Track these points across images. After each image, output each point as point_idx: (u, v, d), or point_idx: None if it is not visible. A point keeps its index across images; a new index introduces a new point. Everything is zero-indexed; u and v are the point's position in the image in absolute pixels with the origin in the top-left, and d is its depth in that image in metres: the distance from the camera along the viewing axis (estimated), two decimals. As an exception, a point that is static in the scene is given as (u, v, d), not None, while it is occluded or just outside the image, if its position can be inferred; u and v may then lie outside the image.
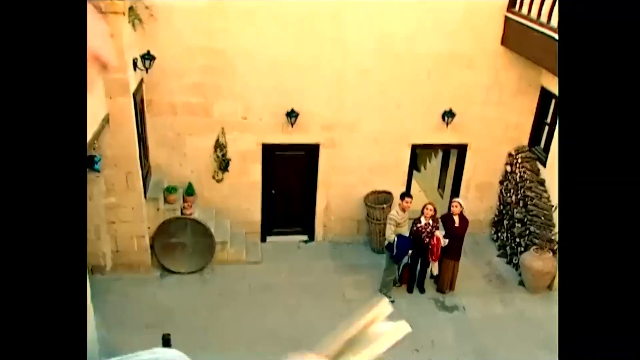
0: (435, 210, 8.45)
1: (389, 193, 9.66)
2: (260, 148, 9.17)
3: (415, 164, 11.57)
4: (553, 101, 9.06)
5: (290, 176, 9.60)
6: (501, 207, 10.07)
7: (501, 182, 10.03)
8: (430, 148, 10.32)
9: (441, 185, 11.08)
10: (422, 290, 8.91)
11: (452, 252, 8.65)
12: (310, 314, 8.38)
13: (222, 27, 8.29)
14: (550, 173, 9.09)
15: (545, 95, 9.23)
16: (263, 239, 9.98)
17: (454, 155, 10.12)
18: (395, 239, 8.24)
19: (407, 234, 8.42)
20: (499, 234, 10.09)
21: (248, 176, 9.37)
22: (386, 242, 8.46)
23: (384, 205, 9.42)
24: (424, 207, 8.38)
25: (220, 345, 7.67)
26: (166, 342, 4.57)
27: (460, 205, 8.51)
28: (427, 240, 8.38)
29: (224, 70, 8.56)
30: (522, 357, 7.78)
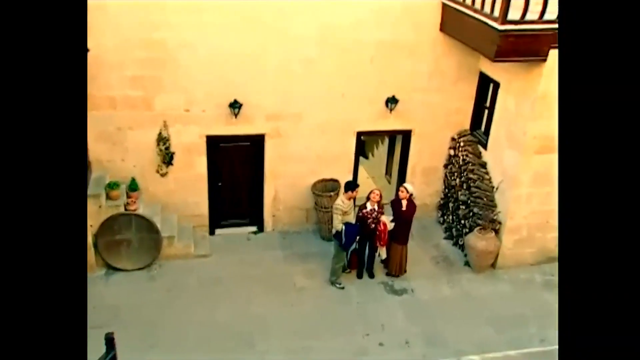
0: (381, 196, 8.57)
1: (336, 181, 9.72)
2: (204, 140, 9.03)
3: (362, 151, 11.69)
4: (491, 86, 9.30)
5: (236, 167, 9.51)
6: (446, 190, 10.30)
7: (445, 166, 10.25)
8: (376, 135, 10.42)
9: (388, 172, 11.23)
10: (371, 275, 9.04)
11: (400, 237, 8.80)
12: (261, 305, 8.37)
13: (161, 18, 8.08)
14: (491, 155, 9.35)
15: (483, 80, 9.46)
16: (211, 232, 9.87)
17: (399, 142, 10.26)
18: (343, 227, 8.31)
19: (353, 221, 8.50)
20: (445, 217, 10.33)
21: (193, 169, 9.22)
22: (334, 231, 8.51)
23: (332, 193, 9.47)
24: (370, 192, 8.48)
25: (170, 342, 7.57)
26: (109, 341, 4.46)
27: (407, 190, 8.65)
28: (374, 225, 8.49)
29: (165, 62, 8.37)
30: (469, 335, 8.02)
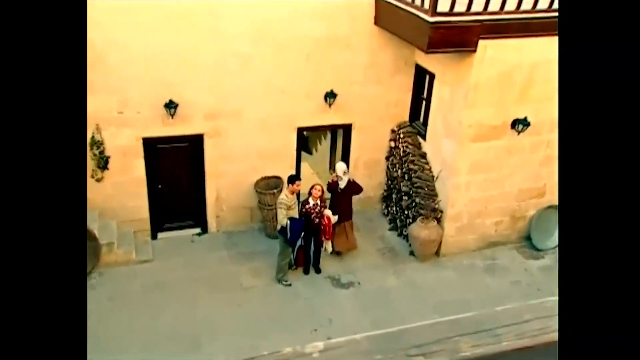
0: (323, 190, 8.59)
1: (279, 178, 9.67)
2: (140, 142, 8.80)
3: (305, 147, 11.68)
4: (427, 77, 9.46)
5: (176, 169, 9.32)
6: (389, 182, 10.42)
7: (387, 158, 10.37)
8: (316, 130, 10.42)
9: (332, 166, 11.26)
10: (318, 271, 9.06)
11: (342, 215, 8.91)
12: (208, 307, 8.25)
13: (88, 18, 7.78)
14: (430, 145, 9.52)
15: (419, 72, 9.61)
16: (154, 236, 9.64)
17: (340, 136, 10.30)
18: (288, 222, 8.28)
19: (297, 215, 8.50)
20: (389, 209, 10.46)
21: (131, 172, 8.97)
22: (279, 227, 8.47)
23: (275, 191, 9.42)
24: (312, 188, 8.48)
25: (113, 352, 7.35)
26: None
27: (337, 171, 8.98)
28: (318, 220, 8.51)
29: (93, 63, 8.05)
30: (417, 322, 8.15)
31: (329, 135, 11.29)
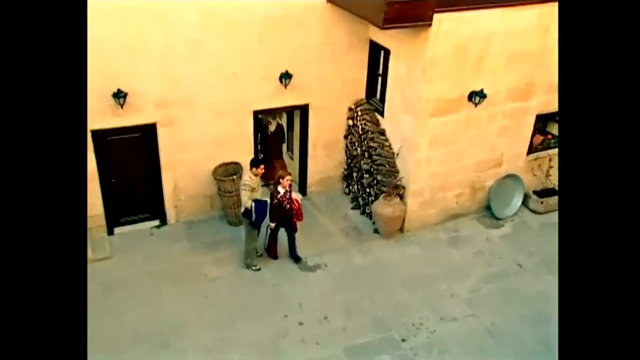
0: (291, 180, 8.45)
1: (237, 163, 9.43)
2: (89, 135, 8.35)
3: (262, 130, 11.42)
4: (382, 53, 9.34)
5: (129, 161, 8.92)
6: (349, 161, 10.33)
7: (346, 137, 10.26)
8: (273, 112, 10.17)
9: (290, 148, 11.08)
10: (298, 259, 8.86)
11: (273, 154, 9.49)
12: (173, 303, 8.02)
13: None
14: (389, 122, 9.46)
15: (374, 48, 9.48)
16: (110, 232, 9.25)
17: (297, 117, 10.11)
18: (252, 204, 8.09)
19: (263, 197, 8.34)
20: (350, 187, 10.40)
21: (81, 167, 8.52)
22: (243, 209, 8.27)
23: (234, 177, 9.18)
24: (280, 178, 8.21)
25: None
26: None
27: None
28: (289, 206, 8.38)
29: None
30: (385, 301, 8.18)
31: (284, 117, 11.06)
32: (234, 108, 9.12)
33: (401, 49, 8.71)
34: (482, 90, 8.68)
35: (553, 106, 9.69)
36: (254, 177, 8.17)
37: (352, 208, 10.28)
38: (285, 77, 9.08)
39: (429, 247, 9.40)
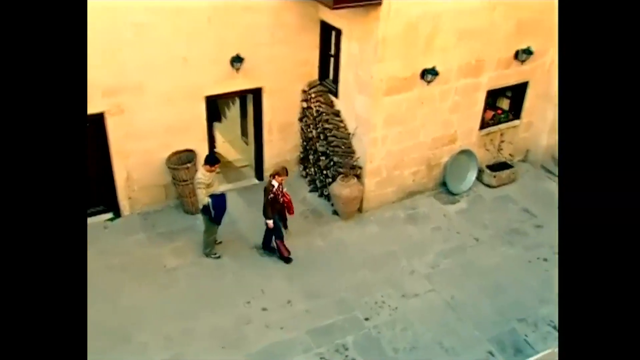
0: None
1: (191, 151, 9.24)
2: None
3: (216, 115, 11.22)
4: (333, 33, 9.27)
5: (78, 153, 8.59)
6: (304, 143, 10.28)
7: (300, 120, 10.18)
8: (226, 97, 9.98)
9: (244, 133, 10.92)
10: (273, 251, 8.73)
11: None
12: (132, 296, 7.84)
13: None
14: (343, 103, 9.44)
15: (325, 29, 9.39)
16: (62, 227, 8.93)
17: (250, 101, 9.95)
18: (210, 200, 7.91)
19: (220, 191, 8.18)
20: (307, 170, 10.36)
21: (26, 162, 8.16)
22: (201, 206, 8.09)
23: (188, 165, 8.99)
24: (276, 174, 8.13)
25: None
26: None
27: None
28: (282, 199, 8.33)
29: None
30: (347, 281, 8.22)
31: (237, 101, 10.88)
32: (186, 94, 8.89)
33: (353, 29, 8.66)
34: (434, 67, 8.74)
35: (502, 81, 9.88)
36: (207, 174, 7.90)
37: (310, 191, 10.26)
38: (236, 60, 8.90)
39: (387, 225, 9.49)
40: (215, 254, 8.56)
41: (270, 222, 8.25)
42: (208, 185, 7.89)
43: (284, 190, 8.40)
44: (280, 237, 8.51)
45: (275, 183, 8.14)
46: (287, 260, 8.52)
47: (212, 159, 8.03)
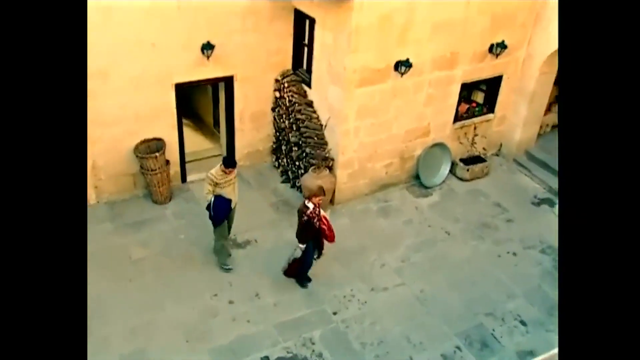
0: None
1: (160, 139, 9.02)
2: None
3: (186, 104, 11.01)
4: (307, 22, 9.10)
5: (41, 139, 8.33)
6: (277, 133, 10.13)
7: (273, 109, 10.02)
8: (196, 85, 9.75)
9: (216, 122, 10.73)
10: (309, 279, 8.05)
11: None
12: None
13: None
14: (316, 93, 9.30)
15: (299, 17, 9.22)
16: (24, 216, 8.68)
17: (222, 89, 9.75)
18: (212, 198, 7.54)
19: (230, 196, 7.69)
20: (279, 161, 10.22)
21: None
22: (206, 204, 7.72)
23: (157, 154, 8.78)
24: (313, 196, 7.39)
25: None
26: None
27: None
28: (318, 224, 7.52)
29: None
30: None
31: (210, 90, 10.67)
32: (155, 81, 8.67)
33: (326, 18, 8.51)
34: (407, 59, 8.65)
35: (477, 74, 9.84)
36: (220, 173, 7.52)
37: (282, 182, 10.13)
38: (207, 47, 8.69)
39: (359, 218, 9.42)
40: (227, 265, 8.12)
41: (303, 247, 7.51)
42: (216, 185, 7.48)
43: (322, 213, 7.55)
44: (309, 265, 7.85)
45: (310, 205, 7.34)
46: (304, 284, 7.97)
47: (227, 161, 7.55)
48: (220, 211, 7.67)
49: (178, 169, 9.67)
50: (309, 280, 8.01)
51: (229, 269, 8.12)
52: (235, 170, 7.72)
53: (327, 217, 7.69)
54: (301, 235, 7.48)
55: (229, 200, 7.68)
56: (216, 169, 7.56)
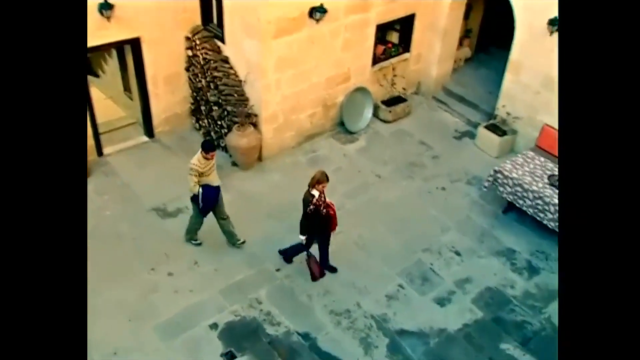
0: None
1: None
2: None
3: (90, 71, 10.26)
4: (212, -27, 8.61)
5: None
6: (194, 94, 9.69)
7: (187, 69, 9.54)
8: (98, 50, 9.04)
9: (127, 88, 10.08)
10: (334, 269, 7.69)
11: None
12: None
13: None
14: (231, 48, 8.92)
15: (203, -32, 8.70)
16: None
17: (129, 52, 9.11)
18: (200, 189, 7.14)
19: (215, 183, 7.33)
20: (201, 122, 9.84)
21: None
22: (191, 194, 7.31)
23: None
24: (317, 183, 6.87)
25: None
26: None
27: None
28: (325, 210, 7.07)
29: None
30: (254, 232, 8.03)
31: (114, 54, 9.96)
32: (52, 50, 7.94)
33: (232, -33, 8.06)
34: (321, 5, 8.42)
35: (390, 15, 9.79)
36: (203, 161, 7.04)
37: (206, 143, 9.78)
38: (105, 7, 8.01)
39: (289, 172, 9.33)
40: (196, 240, 7.87)
41: (303, 239, 7.13)
42: (201, 174, 7.05)
43: (327, 200, 7.15)
44: (300, 252, 7.54)
45: (315, 192, 6.90)
46: (316, 278, 7.53)
47: (206, 146, 7.05)
48: (210, 200, 7.32)
49: (92, 142, 9.07)
50: (290, 262, 7.77)
51: (200, 244, 7.90)
52: (216, 152, 7.26)
53: (332, 203, 7.29)
54: (305, 226, 7.07)
55: (217, 187, 7.34)
56: (197, 157, 7.07)
